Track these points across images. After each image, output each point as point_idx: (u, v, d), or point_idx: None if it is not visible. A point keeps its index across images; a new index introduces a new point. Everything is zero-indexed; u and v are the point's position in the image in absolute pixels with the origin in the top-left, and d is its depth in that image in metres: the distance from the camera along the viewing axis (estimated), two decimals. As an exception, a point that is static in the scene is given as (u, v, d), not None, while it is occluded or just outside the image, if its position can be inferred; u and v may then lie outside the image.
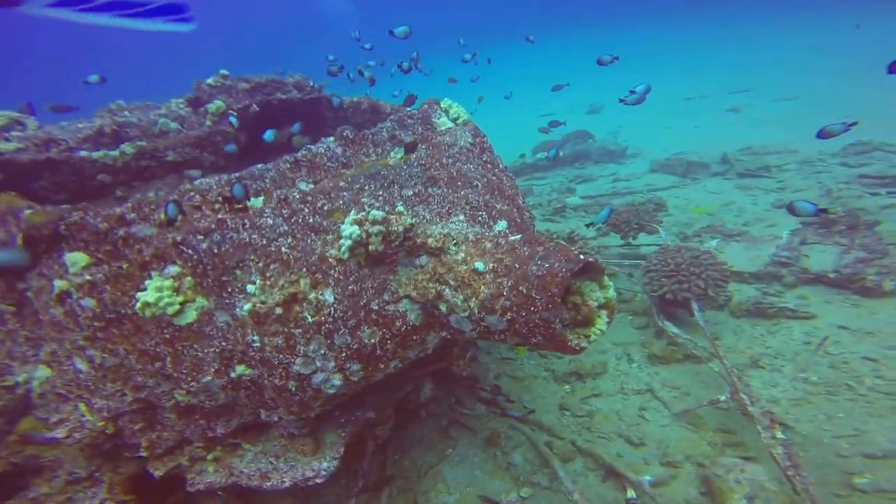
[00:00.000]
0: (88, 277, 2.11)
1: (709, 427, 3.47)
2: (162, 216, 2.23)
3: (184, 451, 2.32)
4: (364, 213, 2.16)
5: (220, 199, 2.36)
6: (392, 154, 2.88)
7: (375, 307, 2.21)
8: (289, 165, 2.60)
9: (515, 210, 3.01)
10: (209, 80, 4.22)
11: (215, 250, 2.08)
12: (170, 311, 2.04)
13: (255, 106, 4.26)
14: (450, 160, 2.90)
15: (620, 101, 4.60)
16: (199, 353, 2.07)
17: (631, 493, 2.96)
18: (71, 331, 2.16)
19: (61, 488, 2.29)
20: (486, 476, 3.18)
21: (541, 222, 8.69)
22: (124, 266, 2.13)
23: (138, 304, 2.01)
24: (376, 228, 2.11)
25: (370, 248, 2.12)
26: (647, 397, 3.94)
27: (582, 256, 2.09)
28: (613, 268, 6.18)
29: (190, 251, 2.07)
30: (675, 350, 4.42)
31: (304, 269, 2.16)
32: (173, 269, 2.11)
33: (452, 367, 3.83)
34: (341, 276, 2.19)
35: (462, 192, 2.78)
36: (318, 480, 2.31)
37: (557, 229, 7.87)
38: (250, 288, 2.07)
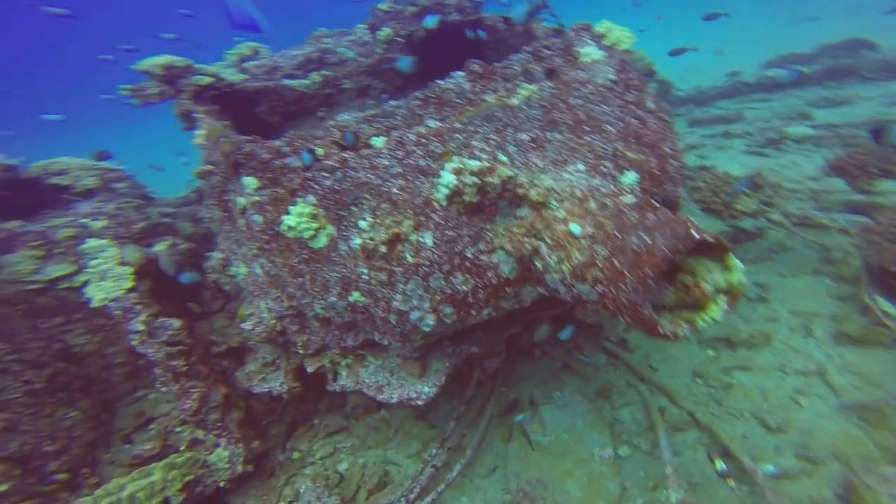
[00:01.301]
0: (257, 198, 2.59)
1: (887, 427, 2.73)
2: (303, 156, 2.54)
3: (326, 354, 2.84)
4: (462, 163, 2.11)
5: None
6: (519, 90, 2.65)
7: (469, 255, 2.23)
8: (418, 102, 2.62)
9: (655, 160, 2.55)
10: (381, 6, 4.34)
11: (337, 187, 2.32)
12: (306, 234, 2.39)
13: (421, 31, 4.28)
14: (579, 101, 2.56)
15: None
16: (327, 276, 2.42)
17: (720, 465, 2.60)
18: (250, 240, 2.74)
19: (260, 369, 3.08)
20: (586, 426, 3.12)
21: (744, 154, 7.06)
22: (280, 191, 2.52)
23: (283, 226, 2.42)
24: (471, 180, 2.06)
25: (465, 198, 2.10)
26: (813, 381, 3.23)
27: (697, 234, 1.72)
28: (823, 221, 4.84)
29: (317, 186, 2.35)
30: (880, 333, 3.43)
31: (410, 211, 2.27)
32: (313, 198, 2.44)
33: (576, 313, 3.69)
34: (442, 221, 2.25)
35: (587, 138, 2.46)
36: (419, 402, 2.60)
37: (759, 165, 6.39)
38: (362, 224, 2.29)
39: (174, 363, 2.83)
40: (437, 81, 2.68)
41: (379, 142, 2.44)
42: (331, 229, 2.40)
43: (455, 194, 2.12)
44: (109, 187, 4.28)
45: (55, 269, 3.37)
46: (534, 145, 2.43)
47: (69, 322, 3.37)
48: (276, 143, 2.55)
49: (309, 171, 2.41)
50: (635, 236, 1.85)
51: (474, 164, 2.08)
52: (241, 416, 3.02)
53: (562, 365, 3.57)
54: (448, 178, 2.11)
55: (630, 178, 2.41)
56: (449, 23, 4.39)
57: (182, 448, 2.86)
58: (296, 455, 3.29)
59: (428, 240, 2.23)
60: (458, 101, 2.64)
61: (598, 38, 3.27)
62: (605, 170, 2.41)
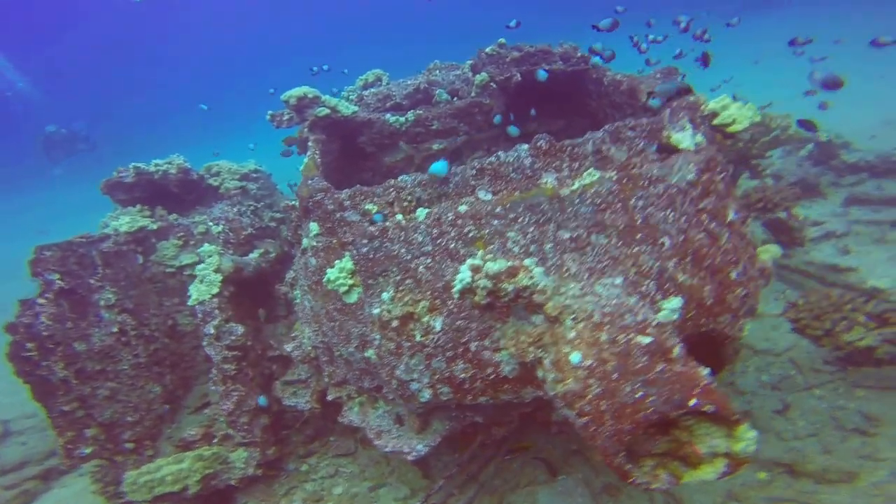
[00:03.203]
0: (315, 243, 2.92)
1: None
2: (368, 207, 2.79)
3: (346, 388, 3.11)
4: (483, 260, 2.17)
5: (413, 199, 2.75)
6: (585, 176, 2.58)
7: (473, 348, 2.29)
8: (474, 172, 2.65)
9: (712, 287, 2.31)
10: (487, 49, 4.45)
11: (371, 256, 2.54)
12: (341, 290, 2.66)
13: (518, 76, 4.31)
14: (640, 202, 2.41)
15: None
16: (351, 329, 2.67)
17: None
18: (305, 277, 3.10)
19: (294, 382, 3.49)
20: (581, 520, 2.96)
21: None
22: (333, 241, 2.83)
23: (325, 277, 2.72)
24: (483, 282, 2.10)
25: (475, 298, 2.15)
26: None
27: (694, 403, 1.60)
28: None
29: (355, 252, 2.59)
30: None
31: (429, 293, 2.39)
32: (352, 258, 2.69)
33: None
34: (455, 309, 2.33)
35: (635, 249, 2.33)
36: (409, 458, 2.73)
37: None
38: (385, 295, 2.47)
39: (226, 366, 3.35)
40: (499, 153, 2.72)
41: (421, 214, 2.59)
42: (361, 290, 2.64)
43: (467, 291, 2.19)
44: (245, 188, 5.11)
45: (185, 258, 4.20)
46: (574, 246, 2.37)
47: (182, 303, 4.15)
48: (342, 195, 2.84)
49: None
50: (630, 386, 1.77)
51: (492, 267, 2.12)
52: (267, 422, 3.46)
53: (577, 448, 3.40)
54: (464, 273, 2.19)
55: (673, 304, 2.22)
56: (550, 71, 4.35)
57: (216, 440, 3.38)
58: (304, 467, 3.65)
59: (438, 324, 2.34)
60: (514, 175, 2.62)
61: (700, 121, 3.01)
62: (645, 290, 2.26)
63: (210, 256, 3.79)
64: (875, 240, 5.39)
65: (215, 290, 3.54)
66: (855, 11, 19.30)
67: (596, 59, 4.45)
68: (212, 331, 3.39)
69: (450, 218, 2.48)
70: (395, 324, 2.41)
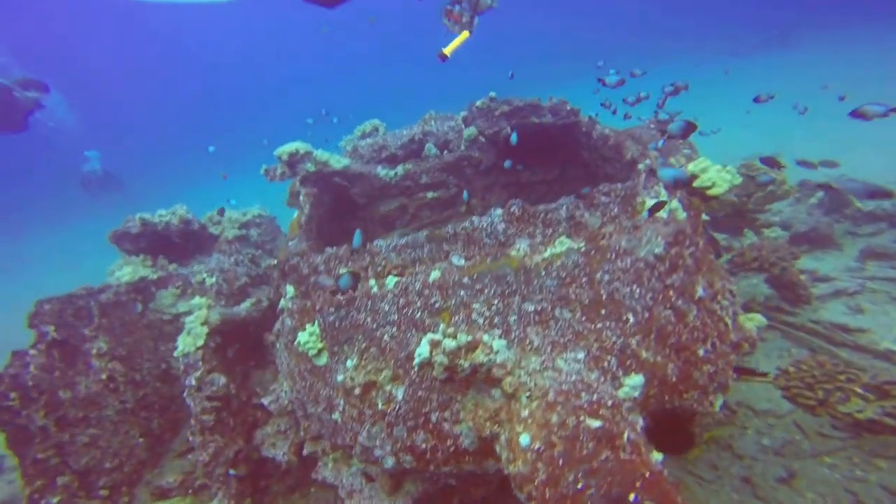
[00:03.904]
0: (290, 305, 3.07)
1: None
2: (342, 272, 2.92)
3: (320, 443, 3.18)
4: (442, 336, 2.25)
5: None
6: (556, 244, 2.65)
7: (434, 419, 2.35)
8: (448, 236, 2.78)
9: (676, 365, 2.34)
10: (478, 102, 4.65)
11: (337, 324, 2.65)
12: (311, 353, 2.78)
13: (507, 130, 4.48)
14: (606, 276, 2.48)
15: None
16: (320, 391, 2.76)
17: None
18: (281, 336, 3.23)
19: (274, 433, 3.58)
20: None
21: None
22: (307, 304, 2.96)
23: (296, 340, 2.83)
24: (440, 358, 2.18)
25: (433, 372, 2.23)
26: None
27: (633, 498, 1.64)
28: None
29: (322, 320, 2.70)
30: None
31: (392, 362, 2.48)
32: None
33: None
34: (417, 379, 2.41)
35: (598, 325, 2.39)
36: None
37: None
38: (349, 363, 2.57)
39: (204, 418, 3.46)
40: (473, 218, 2.81)
41: (391, 282, 2.70)
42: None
43: (426, 365, 2.27)
44: (245, 236, 5.34)
45: (182, 306, 4.41)
46: (538, 319, 2.44)
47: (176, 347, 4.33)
48: (317, 259, 2.98)
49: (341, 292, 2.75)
50: (573, 474, 1.80)
51: (450, 344, 2.20)
52: (245, 473, 3.53)
53: None
54: (424, 348, 2.26)
55: (633, 381, 2.27)
56: (541, 124, 4.51)
57: (191, 490, 3.47)
58: (280, 519, 3.67)
59: (399, 394, 2.41)
60: (487, 241, 2.69)
61: (676, 184, 3.08)
62: (606, 366, 2.30)
63: (199, 309, 3.96)
64: (893, 298, 5.18)
65: (200, 343, 3.69)
66: (865, 51, 19.26)
67: (590, 115, 4.62)
68: (193, 382, 3.51)
69: (417, 287, 2.58)
70: (357, 391, 2.49)
